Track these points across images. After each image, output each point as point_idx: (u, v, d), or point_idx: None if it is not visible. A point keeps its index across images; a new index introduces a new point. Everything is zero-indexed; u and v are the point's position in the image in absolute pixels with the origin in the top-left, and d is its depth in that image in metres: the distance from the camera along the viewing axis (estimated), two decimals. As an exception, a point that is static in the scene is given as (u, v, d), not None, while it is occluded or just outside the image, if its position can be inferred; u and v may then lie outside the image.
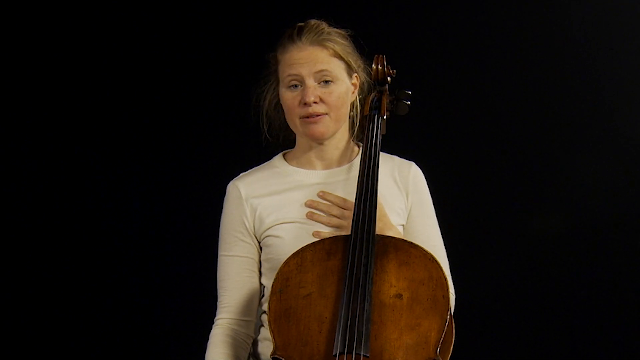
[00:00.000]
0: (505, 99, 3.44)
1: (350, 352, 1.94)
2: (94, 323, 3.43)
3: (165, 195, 3.46)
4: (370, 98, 2.37)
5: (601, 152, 3.41)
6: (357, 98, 2.38)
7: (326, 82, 2.26)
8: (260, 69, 2.40)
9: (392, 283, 2.05)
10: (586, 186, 3.41)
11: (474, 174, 3.43)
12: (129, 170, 3.45)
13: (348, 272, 2.04)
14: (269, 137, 2.42)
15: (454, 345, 2.05)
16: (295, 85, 2.27)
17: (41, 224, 3.44)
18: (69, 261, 3.43)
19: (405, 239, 2.19)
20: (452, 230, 2.47)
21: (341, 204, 2.27)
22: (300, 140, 2.36)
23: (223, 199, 2.36)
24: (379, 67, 2.33)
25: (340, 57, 2.30)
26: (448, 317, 2.01)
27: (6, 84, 3.43)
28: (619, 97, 3.41)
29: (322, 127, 2.27)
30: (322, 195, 2.29)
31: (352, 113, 2.37)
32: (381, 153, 2.29)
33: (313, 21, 2.32)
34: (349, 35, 2.34)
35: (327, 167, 2.35)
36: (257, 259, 2.31)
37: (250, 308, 2.29)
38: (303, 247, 2.13)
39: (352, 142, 2.39)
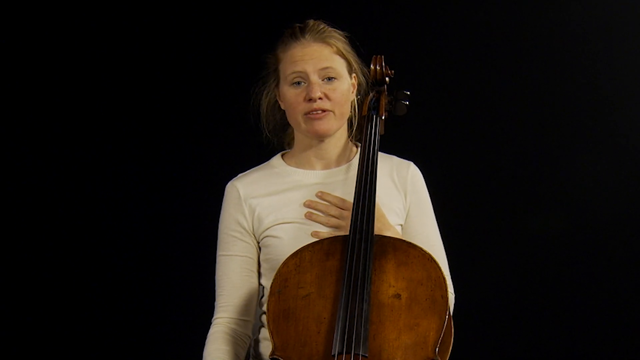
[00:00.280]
0: (504, 99, 3.43)
1: (349, 352, 1.95)
2: (94, 323, 3.43)
3: (165, 195, 3.46)
4: (369, 98, 2.37)
5: (601, 152, 3.41)
6: (356, 99, 2.38)
7: (329, 79, 2.27)
8: (259, 69, 2.40)
9: (390, 283, 2.05)
10: (586, 186, 3.41)
11: (473, 174, 3.43)
12: (129, 170, 3.45)
13: (347, 273, 2.05)
14: (269, 138, 2.42)
15: (453, 345, 2.05)
16: (299, 82, 2.27)
17: (41, 224, 3.44)
18: (69, 261, 3.44)
19: (403, 239, 2.19)
20: (451, 230, 2.47)
21: (339, 204, 2.27)
22: (299, 139, 2.36)
23: (222, 199, 2.36)
24: (377, 67, 2.34)
25: (343, 55, 2.31)
26: (447, 317, 2.01)
27: (6, 84, 3.44)
28: (619, 97, 3.41)
29: (326, 123, 2.27)
30: (321, 195, 2.29)
31: (350, 113, 2.37)
32: (379, 153, 2.29)
33: (313, 20, 2.32)
34: (347, 37, 2.35)
35: (326, 167, 2.35)
36: (256, 258, 2.31)
37: (249, 308, 2.29)
38: (302, 247, 2.13)
39: (350, 142, 2.40)
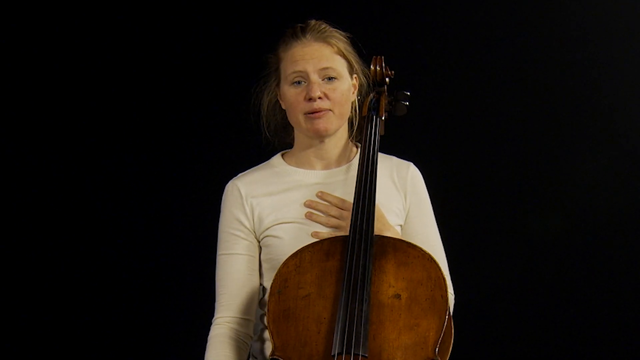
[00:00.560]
0: (504, 99, 3.44)
1: (348, 353, 1.95)
2: (94, 323, 3.43)
3: (165, 195, 3.46)
4: (369, 99, 2.37)
5: (601, 152, 3.41)
6: (357, 99, 2.38)
7: (330, 78, 2.27)
8: (260, 69, 2.40)
9: (390, 283, 2.06)
10: (586, 186, 3.41)
11: (472, 174, 3.43)
12: (129, 170, 3.45)
13: (346, 273, 2.05)
14: (269, 137, 2.42)
15: (453, 345, 2.05)
16: (299, 82, 2.27)
17: (41, 224, 3.44)
18: (69, 261, 3.44)
19: (403, 239, 2.19)
20: (451, 230, 2.47)
21: (339, 205, 2.27)
22: (299, 139, 2.37)
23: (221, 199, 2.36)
24: (377, 68, 2.34)
25: (343, 56, 2.31)
26: (447, 317, 2.01)
27: (6, 84, 3.44)
28: (619, 97, 3.41)
29: (326, 122, 2.27)
30: (321, 195, 2.29)
31: (350, 114, 2.37)
32: (379, 153, 2.30)
33: (314, 20, 2.33)
34: (348, 37, 2.35)
35: (326, 167, 2.35)
36: (257, 257, 2.31)
37: (251, 307, 2.29)
38: (301, 248, 2.14)
39: (350, 142, 2.40)
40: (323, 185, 2.32)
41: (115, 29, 3.45)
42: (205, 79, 3.46)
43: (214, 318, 2.29)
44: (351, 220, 2.15)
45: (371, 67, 2.34)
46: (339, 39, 2.31)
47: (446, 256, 2.37)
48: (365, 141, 2.28)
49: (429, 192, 2.39)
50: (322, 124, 2.27)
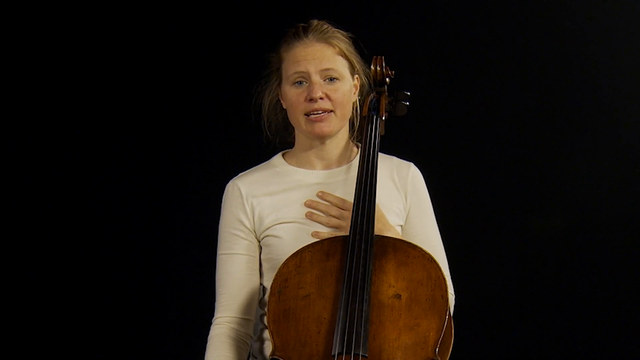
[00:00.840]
0: (504, 99, 3.44)
1: (349, 353, 1.95)
2: (93, 323, 3.43)
3: (166, 194, 3.46)
4: (369, 99, 2.37)
5: (601, 151, 3.41)
6: (357, 100, 2.38)
7: (331, 79, 2.27)
8: (260, 68, 2.40)
9: (390, 283, 2.06)
10: (586, 185, 3.41)
11: (473, 174, 3.43)
12: (129, 170, 3.45)
13: (347, 273, 2.05)
14: (270, 136, 2.42)
15: (453, 345, 2.06)
16: (301, 82, 2.27)
17: (41, 224, 3.44)
18: (69, 261, 3.44)
19: (403, 239, 2.19)
20: (451, 230, 2.47)
21: (340, 205, 2.27)
22: (300, 139, 2.37)
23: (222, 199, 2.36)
24: (378, 68, 2.34)
25: (345, 56, 2.31)
26: (447, 317, 2.01)
27: (6, 84, 3.44)
28: (618, 97, 3.41)
29: (327, 125, 2.28)
30: (322, 195, 2.29)
31: (351, 114, 2.37)
32: (380, 154, 2.30)
33: (316, 20, 2.33)
34: (350, 37, 2.35)
35: (327, 167, 2.35)
36: (257, 257, 2.31)
37: (251, 307, 2.29)
38: (302, 248, 2.14)
39: (351, 142, 2.40)
40: (323, 185, 2.32)
41: (115, 29, 3.45)
42: (206, 78, 3.46)
43: (214, 318, 2.29)
44: (351, 220, 2.15)
45: (371, 67, 2.34)
46: (341, 40, 2.31)
47: (446, 256, 2.37)
48: (366, 141, 2.28)
49: (429, 192, 2.39)
50: (323, 126, 2.27)
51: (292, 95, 2.28)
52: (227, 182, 2.37)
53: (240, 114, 2.46)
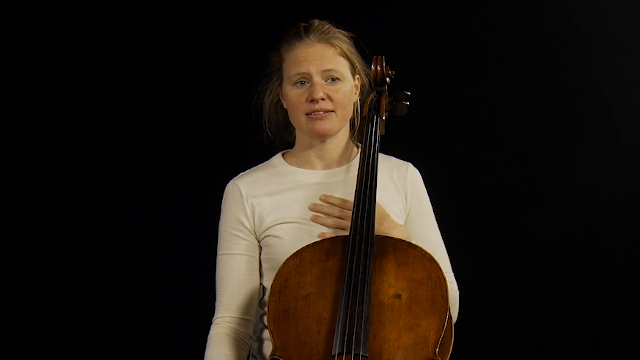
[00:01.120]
0: (504, 99, 3.44)
1: (349, 353, 1.95)
2: (93, 323, 3.44)
3: (166, 194, 3.46)
4: (369, 99, 2.37)
5: (601, 152, 3.41)
6: (358, 99, 2.38)
7: (333, 80, 2.27)
8: (261, 68, 2.40)
9: (390, 283, 2.06)
10: (586, 186, 3.41)
11: (473, 174, 3.43)
12: (130, 170, 3.45)
13: (347, 273, 2.05)
14: (271, 136, 2.42)
15: (453, 346, 2.06)
16: (302, 82, 2.27)
17: (41, 223, 3.44)
18: (69, 261, 3.44)
19: (404, 239, 2.19)
20: (451, 230, 2.47)
21: (342, 205, 2.27)
22: (301, 139, 2.37)
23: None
24: (378, 68, 2.34)
25: (346, 56, 2.31)
26: (447, 317, 2.02)
27: (6, 84, 3.44)
28: (619, 97, 3.41)
29: (328, 124, 2.27)
30: (324, 199, 2.29)
31: (352, 114, 2.37)
32: (380, 154, 2.29)
33: (318, 20, 2.32)
34: (351, 37, 2.35)
35: (327, 166, 2.35)
36: (257, 257, 2.31)
37: (251, 307, 2.29)
38: (302, 248, 2.14)
39: (351, 142, 2.40)
40: (323, 185, 2.32)
41: (116, 29, 3.45)
42: (206, 78, 3.46)
43: (214, 318, 2.30)
44: (351, 220, 2.16)
45: (372, 67, 2.34)
46: (342, 40, 2.31)
47: (447, 256, 2.37)
48: (366, 141, 2.28)
49: (428, 193, 2.39)
50: (324, 125, 2.27)
51: (293, 96, 2.28)
52: (227, 182, 2.37)
53: (241, 114, 2.46)
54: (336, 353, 1.96)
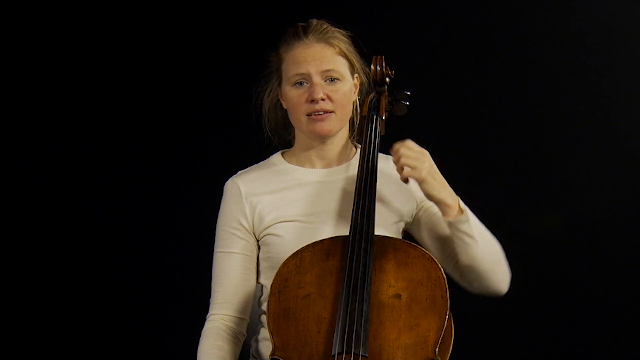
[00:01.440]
0: (504, 99, 3.44)
1: (349, 353, 1.95)
2: (93, 322, 3.44)
3: (166, 193, 3.46)
4: (369, 99, 2.37)
5: (600, 152, 3.41)
6: (357, 99, 2.38)
7: (332, 79, 2.27)
8: (260, 68, 2.40)
9: (390, 283, 2.06)
10: (585, 186, 3.41)
11: (473, 174, 3.42)
12: (130, 169, 3.45)
13: (347, 273, 2.05)
14: (271, 136, 2.42)
15: (453, 345, 2.06)
16: (301, 83, 2.27)
17: (41, 223, 3.44)
18: (68, 260, 3.44)
19: (404, 239, 2.19)
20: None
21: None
22: (300, 139, 2.37)
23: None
24: (378, 67, 2.33)
25: (345, 56, 2.31)
26: (447, 317, 2.01)
27: (6, 84, 3.44)
28: (619, 97, 3.41)
29: (328, 125, 2.27)
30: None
31: (351, 114, 2.37)
32: (380, 153, 2.29)
33: (316, 20, 2.32)
34: (349, 36, 2.35)
35: (327, 165, 2.35)
36: (254, 257, 2.31)
37: (246, 306, 2.29)
38: (302, 247, 2.13)
39: (350, 142, 2.40)
40: (323, 183, 2.32)
41: (115, 28, 3.45)
42: (207, 77, 3.46)
43: (208, 314, 2.30)
44: (351, 220, 2.15)
45: (372, 66, 2.34)
46: (341, 40, 2.31)
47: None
48: (366, 141, 2.28)
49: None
50: (324, 126, 2.27)
51: (293, 96, 2.28)
52: (227, 181, 2.37)
53: (240, 113, 2.46)
54: (336, 353, 1.96)
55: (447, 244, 2.27)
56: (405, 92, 2.38)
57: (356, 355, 1.95)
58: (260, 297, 2.33)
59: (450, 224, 2.21)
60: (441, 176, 2.24)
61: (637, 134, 3.40)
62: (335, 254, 2.11)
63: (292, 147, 2.40)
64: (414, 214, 2.35)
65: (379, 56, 2.34)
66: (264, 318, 2.28)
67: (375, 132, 2.30)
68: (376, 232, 2.20)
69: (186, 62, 3.47)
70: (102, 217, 3.45)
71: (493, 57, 3.43)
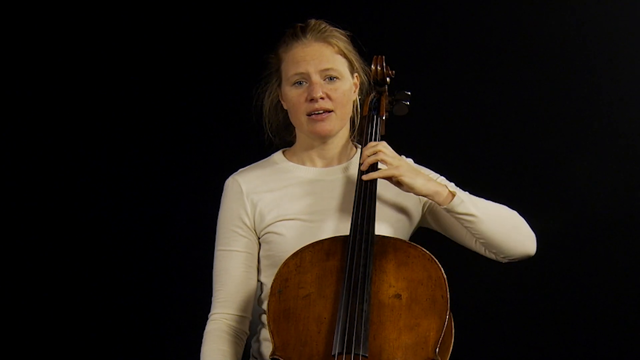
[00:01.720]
0: (504, 99, 3.44)
1: (349, 353, 1.95)
2: (93, 322, 3.43)
3: (166, 193, 3.46)
4: (369, 99, 2.37)
5: (601, 152, 3.41)
6: (357, 98, 2.38)
7: (331, 78, 2.27)
8: (260, 69, 2.40)
9: (391, 283, 2.06)
10: (586, 186, 3.41)
11: (473, 174, 3.40)
12: (130, 169, 3.45)
13: (347, 273, 2.05)
14: (272, 137, 2.42)
15: (453, 345, 2.06)
16: (301, 82, 2.27)
17: (41, 223, 3.44)
18: (68, 260, 3.44)
19: (404, 239, 2.19)
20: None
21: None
22: (301, 138, 2.36)
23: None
24: (378, 67, 2.33)
25: (344, 55, 2.31)
26: (447, 317, 2.01)
27: (6, 84, 3.44)
28: (618, 97, 3.41)
29: (329, 124, 2.27)
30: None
31: (351, 113, 2.37)
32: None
33: (314, 20, 2.32)
34: (348, 35, 2.35)
35: (327, 164, 2.35)
36: (255, 254, 2.31)
37: (248, 305, 2.29)
38: (302, 247, 2.13)
39: (351, 142, 2.40)
40: (324, 182, 2.32)
41: (115, 28, 3.45)
42: (207, 78, 3.46)
43: (210, 313, 2.30)
44: (351, 220, 2.15)
45: (372, 66, 2.34)
46: (340, 39, 2.31)
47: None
48: (366, 141, 2.28)
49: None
50: (325, 126, 2.27)
51: (292, 96, 2.28)
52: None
53: (240, 113, 2.46)
54: (336, 353, 1.96)
55: (457, 228, 2.32)
56: (406, 92, 2.38)
57: (356, 355, 1.95)
58: (260, 295, 2.32)
59: (447, 210, 2.23)
60: (421, 171, 2.26)
61: (637, 134, 3.40)
62: (336, 254, 2.11)
63: (293, 146, 2.40)
64: (420, 209, 2.35)
65: (380, 56, 2.34)
66: (264, 318, 2.28)
67: (376, 132, 2.30)
68: (381, 230, 2.21)
69: (186, 62, 3.46)
70: (102, 217, 3.45)
71: (493, 57, 3.43)
